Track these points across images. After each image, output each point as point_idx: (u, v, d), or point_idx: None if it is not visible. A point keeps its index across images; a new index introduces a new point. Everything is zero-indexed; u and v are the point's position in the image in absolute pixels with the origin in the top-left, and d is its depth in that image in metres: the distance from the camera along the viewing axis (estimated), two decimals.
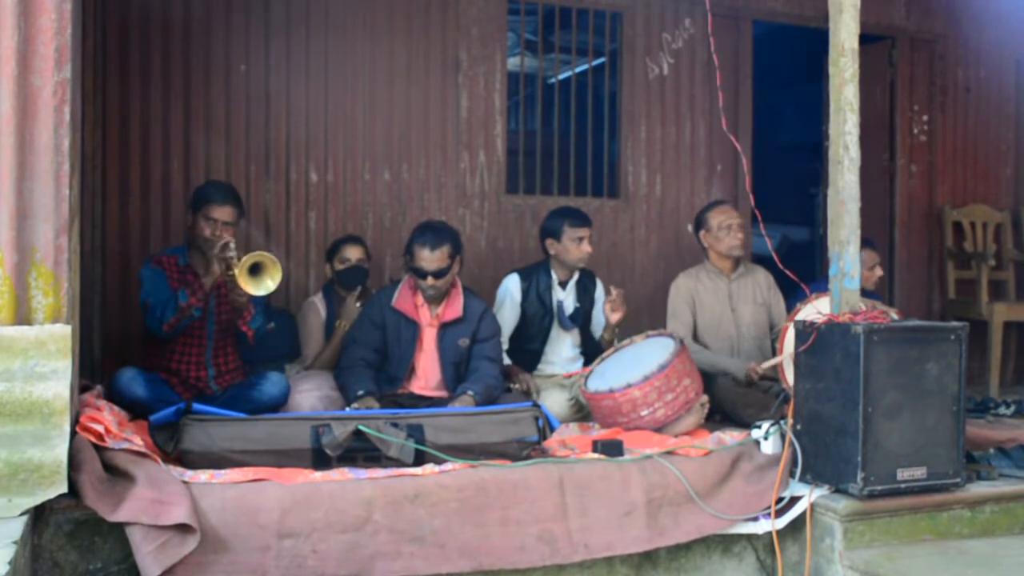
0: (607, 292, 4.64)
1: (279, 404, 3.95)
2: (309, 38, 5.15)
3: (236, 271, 3.70)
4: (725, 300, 4.83)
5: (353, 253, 4.68)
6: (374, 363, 4.16)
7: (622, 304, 4.51)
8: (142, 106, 4.84)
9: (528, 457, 3.42)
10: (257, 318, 4.03)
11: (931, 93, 6.55)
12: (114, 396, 3.68)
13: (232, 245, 3.82)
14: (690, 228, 5.57)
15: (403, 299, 4.19)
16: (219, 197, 4.03)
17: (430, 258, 4.08)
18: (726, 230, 4.78)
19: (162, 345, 3.98)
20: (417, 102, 5.37)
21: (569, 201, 5.53)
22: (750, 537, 3.53)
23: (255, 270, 3.73)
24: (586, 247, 4.71)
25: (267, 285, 3.74)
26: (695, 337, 4.77)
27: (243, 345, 4.20)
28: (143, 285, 3.95)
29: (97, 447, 2.98)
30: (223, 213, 4.00)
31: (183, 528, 2.75)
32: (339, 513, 2.99)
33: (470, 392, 3.96)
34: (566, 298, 4.79)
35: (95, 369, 4.54)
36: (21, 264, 2.88)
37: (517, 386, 4.48)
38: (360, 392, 3.90)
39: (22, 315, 2.89)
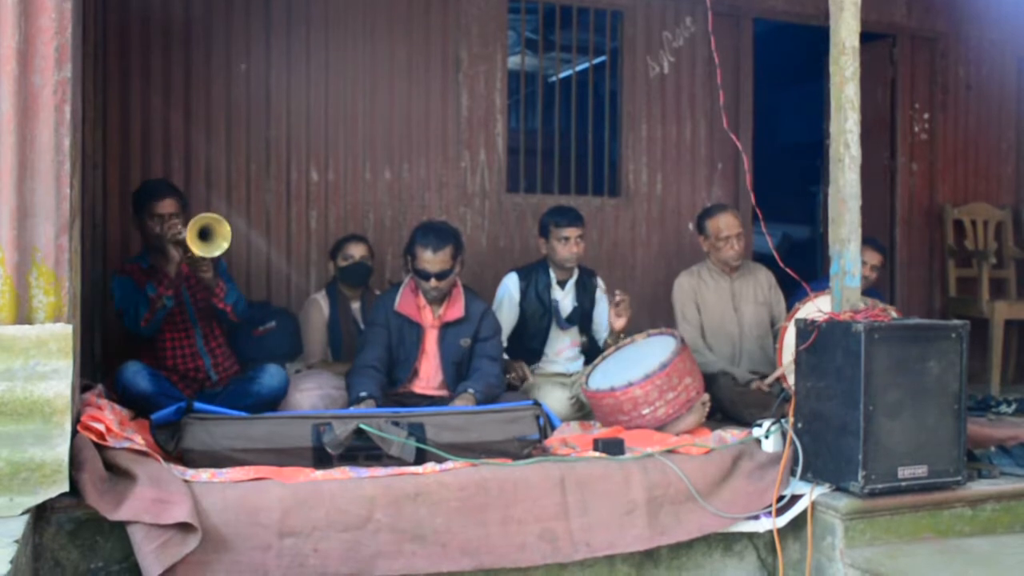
0: (610, 296, 4.61)
1: (278, 397, 3.95)
2: (309, 37, 5.15)
3: (186, 239, 3.68)
4: (728, 299, 4.83)
5: (357, 250, 4.70)
6: (385, 367, 4.14)
7: (627, 309, 4.48)
8: (143, 105, 4.84)
9: (529, 456, 3.42)
10: (231, 293, 4.02)
11: (932, 91, 6.54)
12: (118, 390, 3.69)
13: (180, 227, 3.83)
14: (691, 227, 5.58)
15: (405, 302, 4.18)
16: (156, 192, 4.06)
17: (433, 260, 4.07)
18: (724, 241, 4.75)
19: (154, 345, 3.99)
20: (418, 101, 5.37)
21: (570, 200, 5.53)
22: (751, 535, 3.53)
23: (204, 236, 3.71)
24: (573, 247, 4.67)
25: (220, 245, 3.72)
26: (703, 335, 4.77)
27: (243, 344, 4.21)
28: (115, 295, 3.98)
29: (98, 446, 2.97)
30: (165, 206, 4.01)
31: (184, 527, 2.75)
32: (340, 512, 2.99)
33: (471, 390, 3.96)
34: (564, 298, 4.78)
35: (96, 368, 4.54)
36: (22, 263, 2.89)
37: (513, 375, 4.48)
38: (363, 394, 3.88)
39: (23, 314, 2.89)
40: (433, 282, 4.09)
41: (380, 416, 3.35)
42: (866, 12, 3.70)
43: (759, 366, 4.68)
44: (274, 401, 3.90)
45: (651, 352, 4.10)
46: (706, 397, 4.12)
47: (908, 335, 3.44)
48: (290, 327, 4.71)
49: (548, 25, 5.99)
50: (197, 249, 3.68)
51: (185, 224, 3.80)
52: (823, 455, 3.47)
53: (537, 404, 3.53)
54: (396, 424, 3.30)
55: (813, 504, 3.45)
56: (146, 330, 3.88)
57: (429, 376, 4.21)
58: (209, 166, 4.96)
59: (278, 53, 5.09)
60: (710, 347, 4.74)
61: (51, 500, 2.76)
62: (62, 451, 2.77)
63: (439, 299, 4.18)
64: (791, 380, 3.85)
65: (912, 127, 6.49)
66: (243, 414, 3.37)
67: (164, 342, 4.00)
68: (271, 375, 3.97)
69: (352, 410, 3.60)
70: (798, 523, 3.48)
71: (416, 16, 5.37)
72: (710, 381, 4.31)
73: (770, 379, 4.35)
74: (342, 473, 3.16)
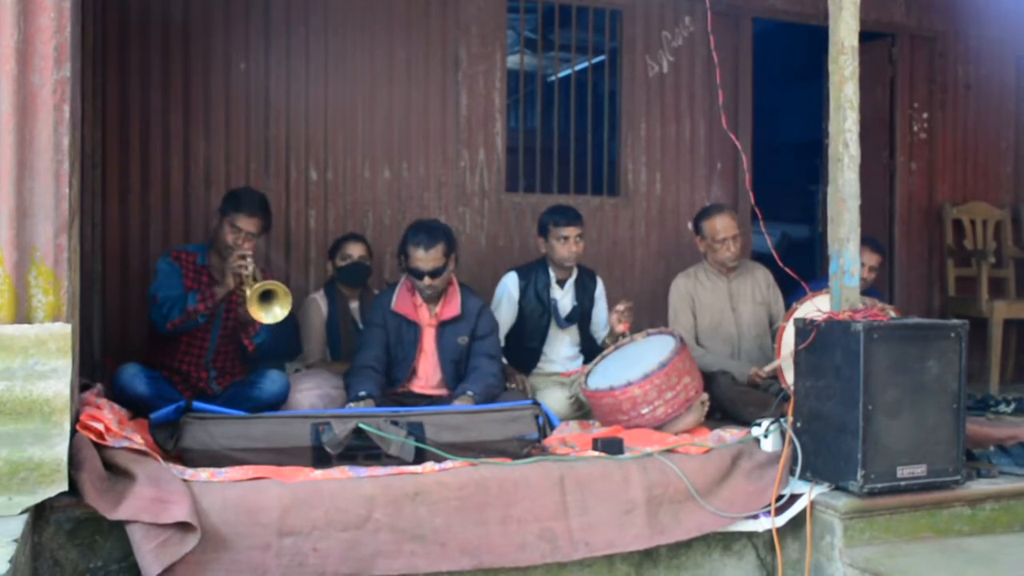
0: (611, 305, 4.60)
1: (279, 402, 3.94)
2: (309, 36, 5.14)
3: (248, 295, 3.69)
4: (725, 299, 4.83)
5: (355, 250, 4.69)
6: (383, 367, 4.14)
7: (628, 317, 4.48)
8: (142, 105, 4.84)
9: (528, 455, 3.42)
10: (262, 333, 4.01)
11: (931, 90, 6.55)
12: (116, 392, 3.68)
13: (249, 260, 3.82)
14: (690, 226, 5.57)
15: (402, 301, 4.18)
16: (247, 207, 4.01)
17: (425, 258, 4.07)
18: (720, 243, 4.75)
19: (165, 343, 3.98)
20: (417, 100, 5.37)
21: (569, 199, 5.53)
22: (750, 535, 3.53)
23: (266, 296, 3.72)
24: (572, 246, 4.67)
25: (275, 313, 3.73)
26: (696, 339, 4.77)
27: (243, 344, 4.19)
28: (156, 277, 3.95)
29: (97, 445, 2.98)
30: (248, 224, 3.98)
31: (183, 526, 2.75)
32: (340, 511, 2.99)
33: (469, 392, 3.95)
34: (563, 297, 4.78)
35: (95, 368, 4.54)
36: (21, 263, 2.88)
37: (514, 386, 4.48)
38: (362, 393, 3.88)
39: (22, 314, 2.89)
40: (427, 280, 4.09)
41: (379, 415, 3.35)
42: (865, 11, 3.70)
43: (758, 365, 4.67)
44: (274, 407, 3.89)
45: (650, 351, 4.10)
46: (705, 396, 4.12)
47: (907, 334, 3.44)
48: (289, 327, 4.70)
49: (547, 24, 5.99)
50: (252, 307, 3.69)
51: (256, 251, 3.87)
52: (822, 454, 3.47)
53: (536, 404, 3.54)
54: (395, 423, 3.30)
55: (812, 503, 3.45)
56: (169, 332, 3.86)
57: (428, 375, 4.21)
58: (208, 165, 4.95)
59: (277, 52, 5.08)
60: (707, 349, 4.74)
61: (50, 499, 2.76)
62: (61, 450, 2.77)
63: (435, 297, 4.18)
64: (788, 377, 3.85)
65: (911, 126, 6.49)
66: (242, 413, 3.37)
67: (178, 344, 3.99)
68: (272, 380, 3.96)
69: (351, 409, 3.61)
70: (797, 522, 3.48)
71: (415, 15, 5.36)
72: (709, 380, 4.31)
73: (768, 368, 4.35)
74: (341, 472, 3.16)
